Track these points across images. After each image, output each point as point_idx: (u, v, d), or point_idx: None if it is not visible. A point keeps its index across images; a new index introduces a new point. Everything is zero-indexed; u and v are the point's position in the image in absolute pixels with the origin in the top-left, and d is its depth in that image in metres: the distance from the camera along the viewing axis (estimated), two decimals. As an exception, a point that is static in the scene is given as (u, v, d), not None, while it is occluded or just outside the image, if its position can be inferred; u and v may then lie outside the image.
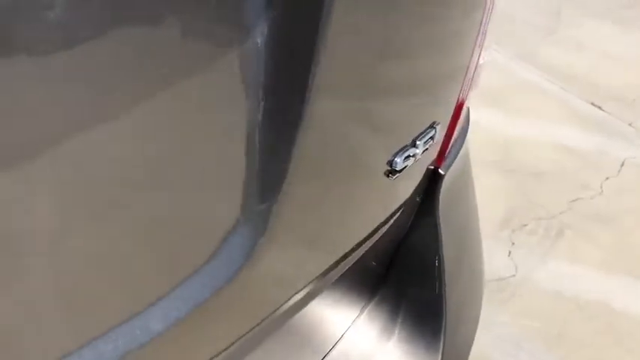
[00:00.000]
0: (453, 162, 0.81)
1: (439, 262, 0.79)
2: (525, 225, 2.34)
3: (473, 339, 0.88)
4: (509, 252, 2.23)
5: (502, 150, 2.70)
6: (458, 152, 0.83)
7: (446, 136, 0.78)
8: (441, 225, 0.81)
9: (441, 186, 0.79)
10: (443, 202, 0.81)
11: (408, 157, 0.65)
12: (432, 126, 0.69)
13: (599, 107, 3.06)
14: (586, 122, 2.94)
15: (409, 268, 0.82)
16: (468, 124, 0.90)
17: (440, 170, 0.79)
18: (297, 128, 0.48)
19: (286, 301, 0.63)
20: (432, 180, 0.80)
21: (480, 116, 2.87)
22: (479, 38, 0.75)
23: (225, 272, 0.51)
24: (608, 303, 2.11)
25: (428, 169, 0.78)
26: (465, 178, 0.91)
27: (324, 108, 0.50)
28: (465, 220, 0.91)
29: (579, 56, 3.39)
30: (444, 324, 0.78)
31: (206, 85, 0.44)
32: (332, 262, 0.64)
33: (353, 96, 0.54)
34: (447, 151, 0.79)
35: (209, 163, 0.47)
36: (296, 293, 0.64)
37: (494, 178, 2.54)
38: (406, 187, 0.73)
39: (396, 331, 0.81)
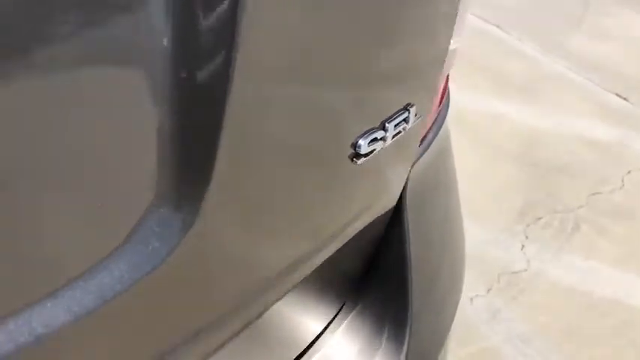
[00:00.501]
0: (421, 155, 0.76)
1: (405, 265, 0.74)
2: (540, 218, 2.28)
3: (443, 340, 0.83)
4: (523, 246, 2.18)
5: (525, 142, 2.64)
6: (429, 144, 0.78)
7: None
8: (410, 224, 0.76)
9: (407, 182, 0.74)
10: (412, 200, 0.76)
11: (375, 139, 0.61)
12: (405, 108, 0.65)
13: (625, 99, 2.98)
14: (610, 114, 2.86)
15: (378, 270, 0.78)
16: (446, 113, 0.86)
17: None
18: (225, 102, 0.44)
19: (237, 308, 0.59)
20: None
21: (505, 108, 2.82)
22: (450, 22, 0.69)
23: (138, 270, 0.47)
24: (623, 300, 2.05)
25: None
26: (442, 172, 0.85)
27: (258, 82, 0.46)
28: (443, 217, 0.86)
29: (606, 47, 3.30)
30: (408, 331, 0.74)
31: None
32: (285, 266, 0.60)
33: (300, 73, 0.50)
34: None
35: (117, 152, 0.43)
36: (247, 300, 0.59)
37: (513, 170, 2.49)
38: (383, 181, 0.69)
39: (362, 335, 0.77)
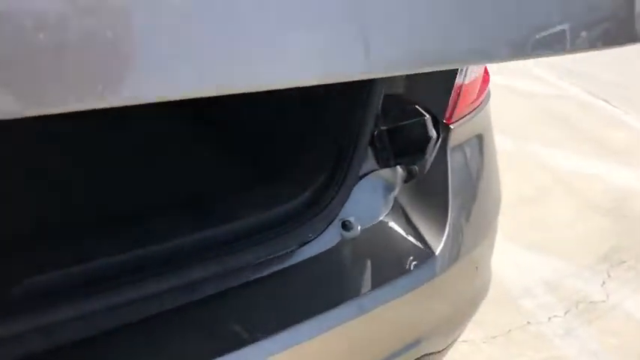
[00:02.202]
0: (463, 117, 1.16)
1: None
2: (624, 262, 2.52)
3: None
4: (604, 282, 2.43)
5: (618, 198, 2.90)
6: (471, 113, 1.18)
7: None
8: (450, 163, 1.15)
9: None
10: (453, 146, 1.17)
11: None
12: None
13: None
14: None
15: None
16: (488, 98, 1.25)
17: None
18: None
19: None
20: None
21: (602, 169, 3.10)
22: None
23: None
24: (697, 335, 2.23)
25: None
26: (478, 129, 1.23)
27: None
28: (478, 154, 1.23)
29: None
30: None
31: None
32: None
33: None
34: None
35: None
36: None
37: (604, 221, 2.74)
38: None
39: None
